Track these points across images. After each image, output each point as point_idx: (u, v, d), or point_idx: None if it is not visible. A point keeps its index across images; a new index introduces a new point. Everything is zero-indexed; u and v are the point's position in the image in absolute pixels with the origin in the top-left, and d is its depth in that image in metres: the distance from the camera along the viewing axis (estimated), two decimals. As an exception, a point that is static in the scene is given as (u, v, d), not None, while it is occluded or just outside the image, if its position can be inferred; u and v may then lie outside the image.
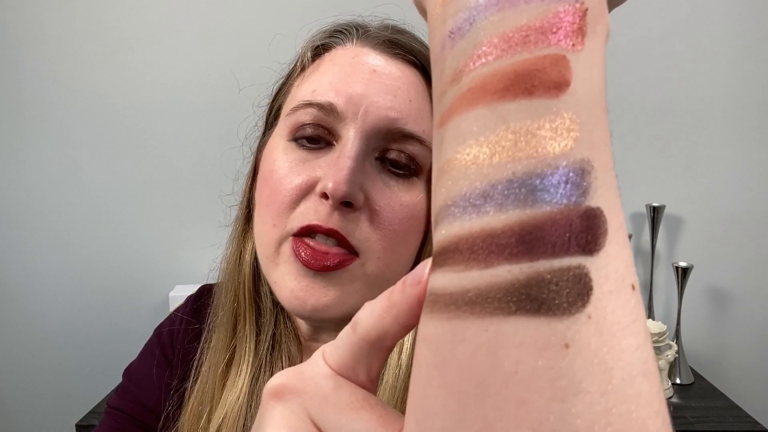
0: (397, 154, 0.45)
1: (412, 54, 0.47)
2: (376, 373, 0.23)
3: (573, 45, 0.17)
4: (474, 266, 0.16)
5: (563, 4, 0.17)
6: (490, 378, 0.16)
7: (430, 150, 0.45)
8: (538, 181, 0.16)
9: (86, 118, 1.44)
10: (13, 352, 1.52)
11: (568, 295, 0.15)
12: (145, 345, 0.61)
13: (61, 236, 1.48)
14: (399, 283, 0.21)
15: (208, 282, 0.61)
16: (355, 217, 0.43)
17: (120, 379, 0.60)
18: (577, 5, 0.17)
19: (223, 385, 0.50)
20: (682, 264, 1.29)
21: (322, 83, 0.45)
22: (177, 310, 0.62)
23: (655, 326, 1.22)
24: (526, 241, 0.16)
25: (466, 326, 0.16)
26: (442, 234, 0.17)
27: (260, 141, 0.53)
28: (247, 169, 0.54)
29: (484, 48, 0.17)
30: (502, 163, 0.16)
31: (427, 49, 0.49)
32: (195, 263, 1.46)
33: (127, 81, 1.43)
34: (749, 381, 1.44)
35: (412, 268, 0.48)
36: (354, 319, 0.22)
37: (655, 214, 1.35)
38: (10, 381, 1.53)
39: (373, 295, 0.48)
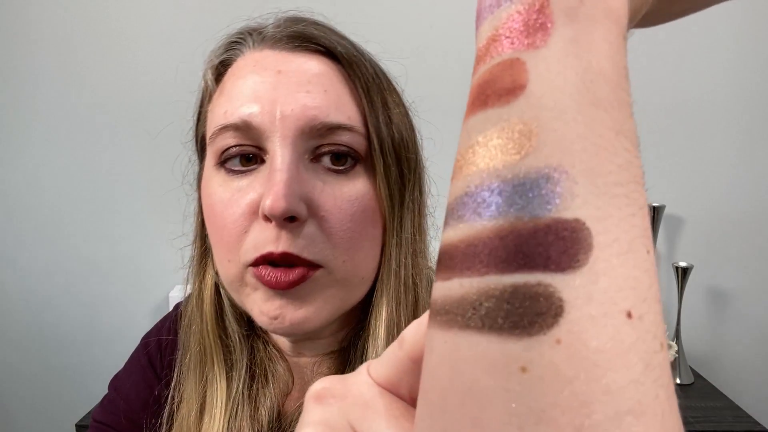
0: (330, 148, 0.42)
1: (314, 42, 0.44)
2: (417, 391, 0.22)
3: (529, 44, 0.16)
4: (439, 278, 0.17)
5: (519, 3, 0.16)
6: (449, 391, 0.15)
7: (361, 135, 0.43)
8: (485, 195, 0.15)
9: (87, 117, 1.44)
10: (13, 352, 1.52)
11: (522, 315, 0.14)
12: (132, 356, 0.58)
13: (61, 236, 1.48)
14: None
15: None
16: (303, 231, 0.41)
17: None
18: (529, 1, 0.16)
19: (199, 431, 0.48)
20: (682, 264, 1.29)
21: (232, 101, 0.43)
22: (164, 319, 0.60)
23: (655, 326, 1.22)
24: (472, 255, 0.15)
25: (433, 335, 0.16)
26: None
27: (198, 175, 0.51)
28: (193, 206, 0.52)
29: (475, 63, 0.17)
30: (461, 178, 0.16)
31: (331, 30, 0.47)
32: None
33: (129, 80, 1.43)
34: (749, 381, 1.44)
35: (382, 254, 0.45)
36: (400, 335, 0.22)
37: (655, 214, 1.35)
38: (10, 381, 1.53)
39: (349, 297, 0.45)
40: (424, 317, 0.21)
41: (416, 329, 0.22)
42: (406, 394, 0.22)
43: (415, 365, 0.21)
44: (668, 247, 1.45)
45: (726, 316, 1.45)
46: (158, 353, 0.57)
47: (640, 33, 1.55)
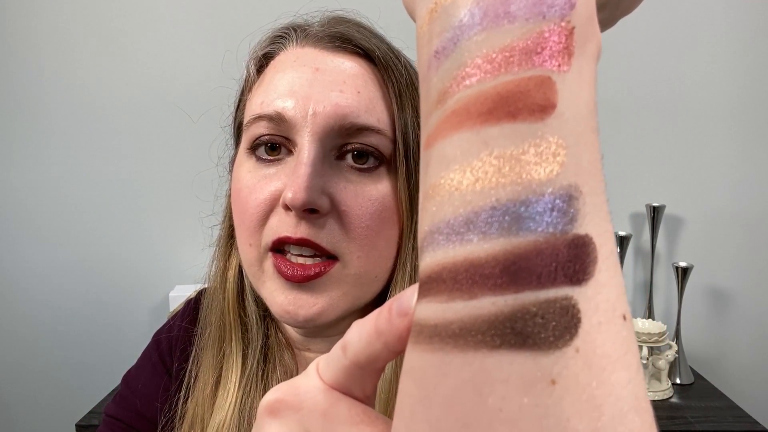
0: (355, 148, 0.44)
1: (354, 44, 0.46)
2: (371, 390, 0.22)
3: (559, 66, 0.16)
4: (457, 297, 0.16)
5: (548, 23, 0.16)
6: (474, 415, 0.15)
7: (388, 138, 0.45)
8: (523, 209, 0.15)
9: (87, 117, 1.44)
10: (13, 352, 1.52)
11: (554, 329, 0.15)
12: (144, 352, 0.60)
13: (61, 236, 1.48)
14: (386, 310, 0.20)
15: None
16: (323, 223, 0.43)
17: (119, 381, 0.60)
18: (563, 24, 0.16)
19: (213, 404, 0.50)
20: (682, 264, 1.29)
21: (269, 93, 0.45)
22: (175, 315, 0.61)
23: (655, 326, 1.22)
24: (511, 272, 0.15)
25: (449, 360, 0.16)
26: (426, 262, 0.17)
27: (232, 158, 0.53)
28: (225, 188, 0.54)
29: (467, 69, 0.17)
30: (486, 189, 0.16)
31: (372, 33, 0.48)
32: (195, 263, 1.46)
33: (127, 79, 1.43)
34: (749, 381, 1.44)
35: (397, 257, 0.47)
36: (343, 340, 0.22)
37: (655, 214, 1.35)
38: (10, 381, 1.53)
39: (363, 294, 0.47)
40: (365, 324, 0.21)
41: (358, 336, 0.21)
42: (359, 394, 0.22)
43: (362, 371, 0.21)
44: (668, 247, 1.45)
45: (726, 316, 1.45)
46: (169, 349, 0.58)
47: (640, 34, 1.53)
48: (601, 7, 0.23)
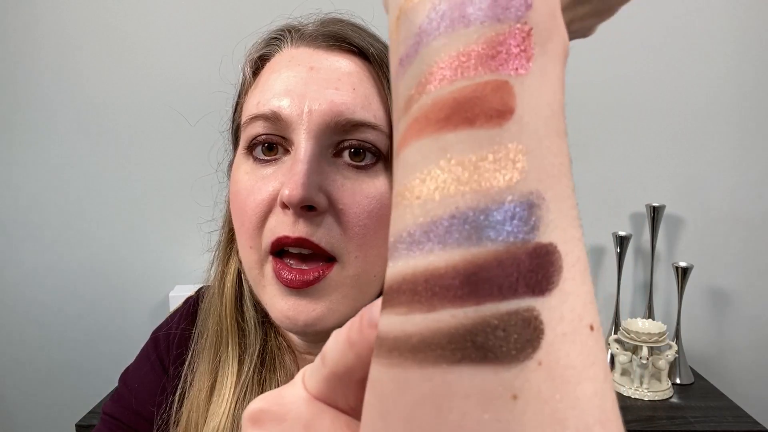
0: (352, 144, 0.44)
1: (349, 42, 0.47)
2: (354, 402, 0.22)
3: (516, 69, 0.16)
4: (417, 309, 0.15)
5: (503, 25, 0.16)
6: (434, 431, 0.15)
7: (385, 133, 0.45)
8: (482, 218, 0.15)
9: (86, 117, 1.44)
10: (13, 352, 1.52)
11: (516, 341, 0.14)
12: (142, 350, 0.60)
13: (60, 236, 1.48)
14: (357, 320, 0.20)
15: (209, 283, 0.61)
16: (321, 221, 0.43)
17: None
18: (518, 26, 0.16)
19: (207, 410, 0.50)
20: (682, 264, 1.29)
21: (264, 93, 0.45)
22: (174, 313, 0.61)
23: (655, 326, 1.22)
24: (472, 283, 0.15)
25: (408, 375, 0.15)
26: (389, 272, 0.16)
27: (230, 162, 0.53)
28: (224, 194, 0.54)
29: (427, 75, 0.17)
30: (445, 197, 0.15)
31: (367, 32, 0.49)
32: (195, 263, 1.46)
33: (127, 80, 1.43)
34: (749, 381, 1.44)
35: None
36: (323, 349, 0.21)
37: (655, 214, 1.35)
38: (10, 381, 1.53)
39: (362, 295, 0.47)
40: (341, 330, 0.20)
41: (334, 344, 0.21)
42: (343, 405, 0.21)
43: (341, 381, 0.21)
44: (668, 247, 1.45)
45: (726, 316, 1.45)
46: (167, 348, 0.57)
47: (640, 33, 1.53)
48: (580, 1, 0.23)
